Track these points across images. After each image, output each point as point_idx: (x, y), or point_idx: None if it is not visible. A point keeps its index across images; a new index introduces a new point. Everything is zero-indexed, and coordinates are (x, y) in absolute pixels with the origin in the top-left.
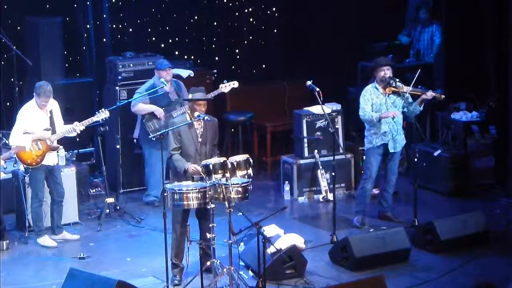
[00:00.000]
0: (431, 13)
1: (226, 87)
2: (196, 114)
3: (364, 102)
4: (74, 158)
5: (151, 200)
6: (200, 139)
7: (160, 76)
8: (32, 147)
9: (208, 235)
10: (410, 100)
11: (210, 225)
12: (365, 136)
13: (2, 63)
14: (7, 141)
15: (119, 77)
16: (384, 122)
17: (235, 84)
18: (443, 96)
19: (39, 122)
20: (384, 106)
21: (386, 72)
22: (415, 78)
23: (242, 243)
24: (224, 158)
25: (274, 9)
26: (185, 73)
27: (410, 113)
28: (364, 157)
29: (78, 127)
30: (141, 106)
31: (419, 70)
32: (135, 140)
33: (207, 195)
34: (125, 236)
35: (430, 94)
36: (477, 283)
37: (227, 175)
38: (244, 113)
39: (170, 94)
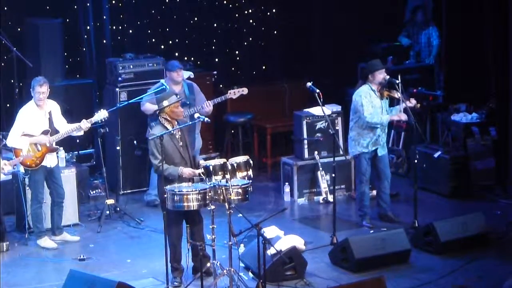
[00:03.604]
0: (429, 15)
1: (235, 93)
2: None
3: (367, 104)
4: (74, 160)
5: (151, 199)
6: (181, 143)
7: (170, 77)
8: (31, 149)
9: (209, 236)
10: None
11: (211, 227)
12: (353, 140)
13: (2, 64)
14: (6, 142)
15: (119, 79)
16: (380, 127)
17: (244, 91)
18: (418, 105)
19: (38, 123)
20: (379, 109)
21: (385, 74)
22: (400, 84)
23: (242, 245)
24: (224, 160)
25: (274, 10)
26: (185, 74)
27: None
28: (356, 163)
29: (86, 124)
30: (147, 106)
31: (398, 76)
32: (135, 142)
33: (207, 197)
34: (125, 238)
35: (413, 102)
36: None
37: (227, 176)
38: (244, 114)
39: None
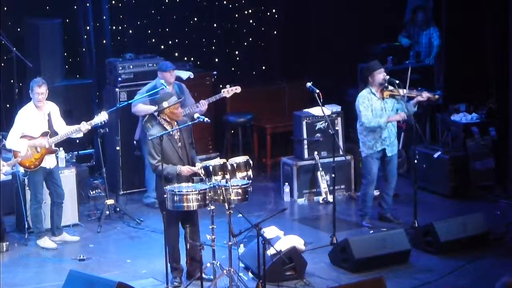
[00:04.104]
0: (429, 15)
1: (228, 92)
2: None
3: (365, 109)
4: (74, 160)
5: (151, 202)
6: (179, 144)
7: (163, 78)
8: (30, 150)
9: (209, 237)
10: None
11: (210, 227)
12: (361, 142)
13: (2, 64)
14: (5, 143)
15: (119, 79)
16: (384, 127)
17: (237, 89)
18: (437, 96)
19: (37, 124)
20: (381, 111)
21: (384, 74)
22: (408, 78)
23: (242, 245)
24: (224, 160)
25: (274, 10)
26: (185, 74)
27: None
28: (363, 163)
29: (85, 126)
30: (140, 107)
31: (409, 69)
32: (134, 142)
33: (207, 197)
34: (125, 238)
35: (425, 95)
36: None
37: (227, 176)
38: (244, 115)
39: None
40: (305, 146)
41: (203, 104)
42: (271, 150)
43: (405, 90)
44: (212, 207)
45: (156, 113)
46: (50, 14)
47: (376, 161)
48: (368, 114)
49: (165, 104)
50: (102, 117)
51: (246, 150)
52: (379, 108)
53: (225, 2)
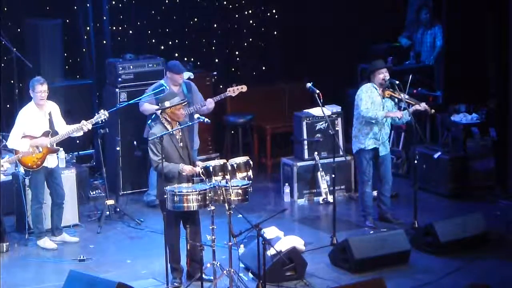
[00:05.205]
0: (433, 14)
1: (234, 91)
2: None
3: (366, 98)
4: (74, 160)
5: (151, 199)
6: (181, 144)
7: (172, 79)
8: (32, 150)
9: (209, 237)
10: (403, 107)
11: (210, 227)
12: (354, 137)
13: (2, 65)
14: (7, 143)
15: (119, 79)
16: (378, 123)
17: (243, 88)
18: (433, 111)
19: (38, 124)
20: (379, 106)
21: (385, 75)
22: (409, 82)
23: (242, 245)
24: (224, 160)
25: (274, 10)
26: (185, 75)
27: (397, 121)
28: (356, 161)
29: (86, 125)
30: (146, 106)
31: (410, 76)
32: (134, 142)
33: (207, 197)
34: (125, 238)
35: (423, 105)
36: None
37: (227, 177)
38: (244, 115)
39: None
40: (305, 147)
41: (210, 103)
42: (271, 151)
43: (405, 96)
44: (212, 208)
45: (158, 112)
46: (50, 14)
47: (369, 160)
48: (368, 105)
49: (167, 103)
50: (102, 115)
51: (246, 151)
52: (379, 103)
53: (225, 2)
